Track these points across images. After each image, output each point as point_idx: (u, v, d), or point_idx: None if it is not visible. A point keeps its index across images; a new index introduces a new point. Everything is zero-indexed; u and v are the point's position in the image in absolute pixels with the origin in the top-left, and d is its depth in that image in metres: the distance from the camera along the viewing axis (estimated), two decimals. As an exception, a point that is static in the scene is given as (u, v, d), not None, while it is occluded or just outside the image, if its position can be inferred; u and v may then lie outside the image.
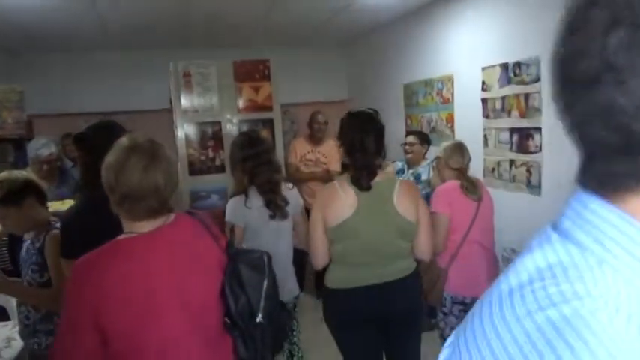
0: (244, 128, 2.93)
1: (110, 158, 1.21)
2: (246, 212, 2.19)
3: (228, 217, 2.21)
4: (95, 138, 1.72)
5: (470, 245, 2.32)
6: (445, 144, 2.55)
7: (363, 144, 1.82)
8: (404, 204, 1.85)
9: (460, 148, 2.49)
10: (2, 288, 1.90)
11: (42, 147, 3.27)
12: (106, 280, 1.14)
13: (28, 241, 1.95)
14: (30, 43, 4.41)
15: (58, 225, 1.89)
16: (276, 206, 2.21)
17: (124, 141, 1.23)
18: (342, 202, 1.82)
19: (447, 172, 2.45)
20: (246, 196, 2.19)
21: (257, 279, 1.37)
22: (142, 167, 1.18)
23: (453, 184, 2.38)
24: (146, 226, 1.23)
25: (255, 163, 2.21)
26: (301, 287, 4.26)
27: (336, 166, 4.39)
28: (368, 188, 1.83)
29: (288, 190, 2.33)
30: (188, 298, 1.24)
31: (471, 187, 2.34)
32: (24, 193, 1.86)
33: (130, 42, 4.72)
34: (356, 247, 1.84)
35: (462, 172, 2.43)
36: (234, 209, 2.20)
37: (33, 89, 4.37)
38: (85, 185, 1.79)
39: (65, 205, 3.01)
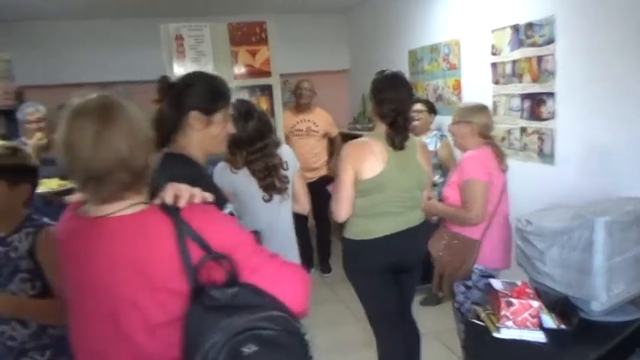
0: (242, 96, 2.78)
1: (57, 132, 0.98)
2: (232, 177, 2.03)
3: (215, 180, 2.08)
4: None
5: (499, 216, 2.25)
6: (467, 107, 2.38)
7: (403, 106, 2.00)
8: (423, 160, 2.12)
9: (489, 112, 2.36)
10: None
11: (26, 107, 3.24)
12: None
13: None
14: (16, 10, 4.22)
15: (44, 220, 1.58)
16: (274, 189, 2.06)
17: (66, 106, 0.98)
18: (376, 157, 1.99)
19: (474, 140, 2.28)
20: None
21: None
22: (92, 134, 0.94)
23: (486, 150, 2.26)
24: (112, 208, 0.99)
25: (248, 149, 2.02)
26: (310, 264, 4.24)
27: (333, 131, 4.30)
28: (402, 147, 2.02)
29: (286, 151, 2.20)
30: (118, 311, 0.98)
31: (502, 156, 2.28)
32: (30, 174, 1.58)
33: (127, 10, 4.53)
34: (384, 199, 2.02)
35: (492, 139, 2.32)
36: (220, 174, 2.04)
37: (22, 58, 4.22)
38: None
39: (46, 185, 2.89)
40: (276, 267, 1.06)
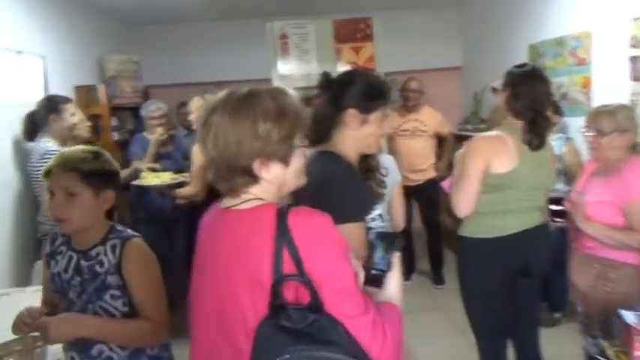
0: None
1: (202, 126, 1.04)
2: None
3: None
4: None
5: None
6: (620, 112, 2.01)
7: (540, 104, 1.90)
8: (551, 162, 2.05)
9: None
10: (75, 326, 1.32)
11: (149, 105, 3.51)
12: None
13: (77, 255, 1.42)
14: (146, 15, 4.61)
15: (129, 231, 1.49)
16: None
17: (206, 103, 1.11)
18: (510, 152, 1.90)
19: (626, 152, 1.99)
20: None
21: None
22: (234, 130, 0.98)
23: None
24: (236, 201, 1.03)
25: None
26: (410, 269, 4.05)
27: (444, 129, 4.05)
28: (539, 146, 1.92)
29: (387, 159, 2.06)
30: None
31: None
32: (113, 179, 1.47)
33: (237, 11, 4.72)
34: (514, 197, 1.94)
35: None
36: None
37: (149, 60, 4.59)
38: None
39: (160, 177, 3.09)
40: (362, 323, 0.93)
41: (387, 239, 1.10)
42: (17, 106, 2.93)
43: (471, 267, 2.07)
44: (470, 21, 5.11)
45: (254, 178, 1.00)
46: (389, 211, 2.05)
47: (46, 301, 1.54)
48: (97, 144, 3.21)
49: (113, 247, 1.41)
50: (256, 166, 0.99)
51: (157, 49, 4.98)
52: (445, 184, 2.17)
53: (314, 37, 2.71)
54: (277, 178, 1.02)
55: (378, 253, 1.09)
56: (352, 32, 2.72)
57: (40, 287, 2.41)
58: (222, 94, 1.04)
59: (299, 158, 1.05)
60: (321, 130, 1.43)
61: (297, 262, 0.92)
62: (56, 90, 3.33)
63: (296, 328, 0.89)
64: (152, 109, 3.48)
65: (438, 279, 4.05)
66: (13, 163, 2.82)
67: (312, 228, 0.96)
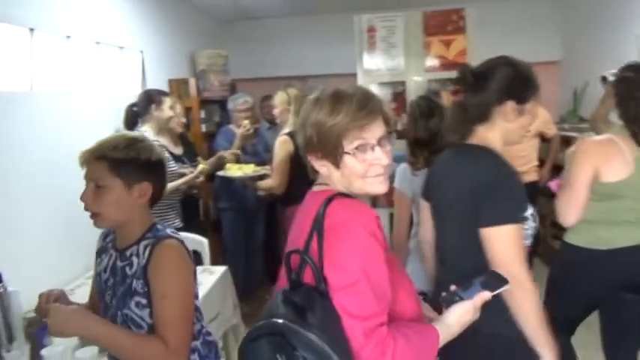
0: (432, 89, 2.62)
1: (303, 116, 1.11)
2: (413, 180, 1.92)
3: (395, 183, 1.98)
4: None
5: None
6: None
7: None
8: None
9: None
10: (78, 323, 1.11)
11: (237, 98, 3.58)
12: None
13: (113, 255, 1.30)
14: (236, 12, 4.74)
15: (168, 231, 1.29)
16: None
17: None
18: (624, 157, 1.75)
19: None
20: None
21: None
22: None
23: None
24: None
25: (430, 148, 1.92)
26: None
27: (550, 130, 3.73)
28: None
29: None
30: None
31: None
32: (151, 169, 1.28)
33: (323, 6, 4.71)
34: (627, 207, 1.79)
35: None
36: (401, 176, 1.96)
37: (236, 55, 4.72)
38: None
39: (243, 169, 3.15)
40: (358, 326, 0.91)
41: (493, 286, 1.08)
42: (118, 98, 3.14)
43: (568, 275, 1.93)
44: (569, 11, 4.70)
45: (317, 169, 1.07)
46: None
47: (91, 298, 1.43)
48: (186, 135, 3.37)
49: (145, 248, 1.23)
50: (312, 161, 1.07)
51: (244, 44, 5.12)
52: (553, 184, 2.04)
53: (402, 30, 2.61)
54: (334, 174, 1.04)
55: (474, 287, 1.08)
56: (443, 24, 2.58)
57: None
58: (314, 94, 1.08)
59: (365, 159, 1.05)
60: (467, 124, 1.39)
61: (320, 247, 0.95)
62: (152, 83, 3.53)
63: (301, 305, 0.91)
64: (239, 102, 3.56)
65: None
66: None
67: (340, 219, 0.97)
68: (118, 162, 1.22)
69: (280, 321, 0.90)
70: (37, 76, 2.43)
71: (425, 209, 1.57)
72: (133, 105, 2.98)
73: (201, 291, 2.21)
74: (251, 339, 0.94)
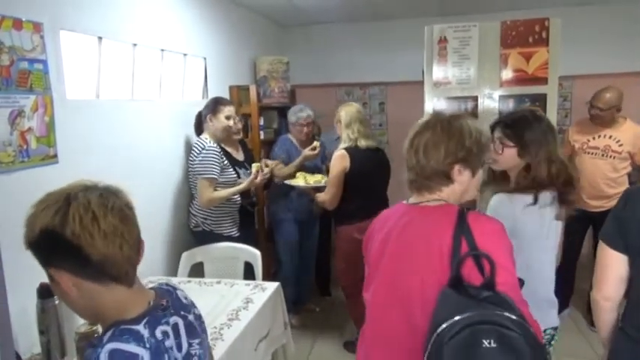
0: (508, 105, 2.41)
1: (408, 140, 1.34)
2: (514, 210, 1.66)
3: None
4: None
5: None
6: None
7: None
8: None
9: None
10: None
11: (300, 111, 3.50)
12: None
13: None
14: (297, 17, 4.69)
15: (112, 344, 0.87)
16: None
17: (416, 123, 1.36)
18: None
19: None
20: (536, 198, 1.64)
21: None
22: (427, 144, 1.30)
23: None
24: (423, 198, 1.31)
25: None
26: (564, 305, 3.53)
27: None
28: None
29: None
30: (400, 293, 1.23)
31: None
32: (49, 248, 0.89)
33: (389, 12, 4.57)
34: None
35: None
36: (497, 206, 1.68)
37: (296, 61, 4.67)
38: None
39: (308, 179, 3.10)
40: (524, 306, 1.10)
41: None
42: (182, 104, 3.16)
43: None
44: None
45: (449, 181, 1.26)
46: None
47: None
48: (246, 142, 3.35)
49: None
50: (455, 171, 1.25)
51: (304, 49, 5.05)
52: None
53: (477, 41, 2.42)
54: (464, 184, 1.28)
55: None
56: (523, 35, 2.36)
57: (185, 279, 2.57)
58: (427, 118, 1.33)
59: (480, 174, 1.32)
60: None
61: (473, 247, 1.12)
62: (214, 89, 3.54)
63: (475, 298, 1.03)
64: (303, 116, 3.47)
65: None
66: (179, 155, 3.07)
67: (490, 228, 1.19)
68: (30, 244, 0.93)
69: (498, 313, 0.98)
70: (104, 83, 2.47)
71: (611, 258, 1.38)
72: (200, 111, 3.01)
73: (253, 309, 2.15)
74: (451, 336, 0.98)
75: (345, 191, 2.87)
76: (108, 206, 0.91)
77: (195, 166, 2.81)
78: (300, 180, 3.11)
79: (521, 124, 1.71)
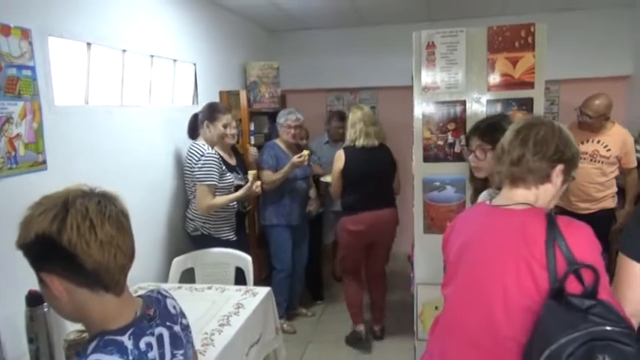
0: (496, 109, 2.43)
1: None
2: None
3: None
4: None
5: None
6: None
7: None
8: None
9: None
10: None
11: (289, 113, 3.56)
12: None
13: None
14: (288, 22, 4.70)
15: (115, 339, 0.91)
16: None
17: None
18: None
19: None
20: None
21: None
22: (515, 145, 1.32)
23: None
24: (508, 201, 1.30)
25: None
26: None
27: (629, 161, 3.31)
28: None
29: None
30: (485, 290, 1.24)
31: None
32: (44, 253, 0.89)
33: (378, 18, 4.60)
34: None
35: None
36: None
37: (286, 66, 4.68)
38: None
39: (327, 178, 3.46)
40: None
41: None
42: (172, 110, 3.16)
43: None
44: (643, 23, 4.36)
45: (546, 179, 1.28)
46: None
47: None
48: (237, 147, 3.36)
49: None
50: (556, 170, 1.27)
51: (294, 55, 5.06)
52: None
53: (464, 46, 2.45)
54: (556, 188, 1.29)
55: None
56: (510, 41, 2.40)
57: (176, 285, 2.56)
58: (535, 118, 1.39)
59: (566, 185, 1.32)
60: None
61: (569, 256, 1.12)
62: (204, 95, 3.54)
63: (579, 310, 1.03)
64: (292, 118, 3.50)
65: None
66: (170, 161, 3.06)
67: (583, 233, 1.19)
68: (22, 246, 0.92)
69: (609, 328, 1.00)
70: (93, 89, 2.46)
71: (637, 272, 1.27)
72: (196, 115, 3.02)
73: (245, 314, 2.15)
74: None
75: (343, 186, 3.23)
76: (105, 214, 0.92)
77: (194, 172, 2.80)
78: (328, 177, 3.48)
79: (495, 128, 1.79)
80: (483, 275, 1.24)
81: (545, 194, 1.28)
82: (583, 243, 1.16)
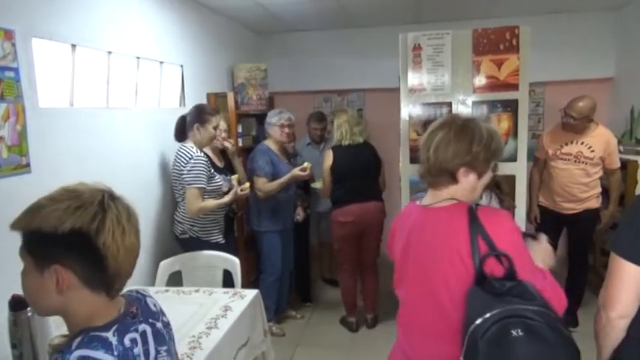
0: (482, 111, 2.46)
1: (423, 139, 1.42)
2: None
3: None
4: None
5: None
6: None
7: None
8: None
9: None
10: None
11: (280, 112, 3.53)
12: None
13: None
14: (275, 24, 4.70)
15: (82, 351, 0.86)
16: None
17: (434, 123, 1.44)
18: None
19: None
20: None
21: None
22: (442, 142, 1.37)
23: None
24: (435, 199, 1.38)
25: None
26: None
27: (612, 162, 3.33)
28: None
29: None
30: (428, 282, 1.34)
31: None
32: (62, 245, 0.87)
33: (365, 20, 4.62)
34: None
35: None
36: None
37: (274, 68, 4.68)
38: None
39: (317, 183, 3.49)
40: (543, 278, 1.28)
41: None
42: (158, 112, 3.14)
43: None
44: (626, 27, 4.44)
45: (454, 181, 1.34)
46: None
47: None
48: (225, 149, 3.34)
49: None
50: (460, 173, 1.32)
51: (282, 57, 5.06)
52: None
53: (450, 48, 2.48)
54: (470, 185, 1.35)
55: None
56: (494, 43, 2.43)
57: (163, 288, 2.54)
58: (444, 119, 1.40)
59: (488, 176, 1.37)
60: None
61: (490, 243, 1.22)
62: (191, 97, 3.52)
63: (499, 292, 1.16)
64: (285, 116, 3.45)
65: (571, 320, 3.53)
66: (157, 163, 3.05)
67: (501, 221, 1.28)
68: (23, 234, 0.90)
69: (522, 307, 1.13)
70: (78, 91, 2.44)
71: (631, 272, 1.22)
72: (183, 117, 2.98)
73: (232, 316, 2.14)
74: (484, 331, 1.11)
75: (332, 182, 3.46)
76: (132, 222, 0.95)
77: (183, 175, 2.77)
78: (319, 184, 3.66)
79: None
80: (426, 271, 1.34)
81: (462, 191, 1.35)
82: (502, 231, 1.25)
